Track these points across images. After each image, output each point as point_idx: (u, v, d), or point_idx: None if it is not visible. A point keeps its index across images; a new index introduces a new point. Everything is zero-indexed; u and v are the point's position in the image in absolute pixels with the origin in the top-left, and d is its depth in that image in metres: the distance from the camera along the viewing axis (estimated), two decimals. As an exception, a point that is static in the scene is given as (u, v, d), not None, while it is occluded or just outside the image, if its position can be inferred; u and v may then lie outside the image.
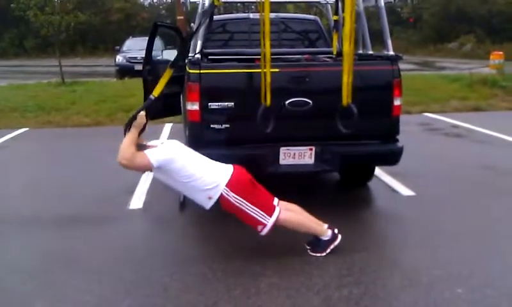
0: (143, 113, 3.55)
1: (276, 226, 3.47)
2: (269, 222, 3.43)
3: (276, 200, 3.55)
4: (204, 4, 4.56)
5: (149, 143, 3.64)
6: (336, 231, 3.63)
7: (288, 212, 3.53)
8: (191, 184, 3.44)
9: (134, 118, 3.52)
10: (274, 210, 3.47)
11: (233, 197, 3.40)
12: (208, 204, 3.49)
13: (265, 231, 3.46)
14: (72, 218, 4.48)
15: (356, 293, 3.08)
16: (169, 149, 3.52)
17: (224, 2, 6.67)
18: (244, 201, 3.41)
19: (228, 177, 3.44)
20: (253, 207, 3.41)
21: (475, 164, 6.05)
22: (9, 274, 3.45)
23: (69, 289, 3.20)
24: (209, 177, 3.43)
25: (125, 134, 3.49)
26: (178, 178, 3.45)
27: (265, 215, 3.43)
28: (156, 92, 3.77)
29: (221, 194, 3.40)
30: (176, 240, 4.04)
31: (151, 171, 3.53)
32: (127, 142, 3.41)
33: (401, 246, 3.88)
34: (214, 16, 6.15)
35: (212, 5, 4.09)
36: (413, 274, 3.34)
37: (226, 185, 3.40)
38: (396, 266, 3.54)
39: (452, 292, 3.08)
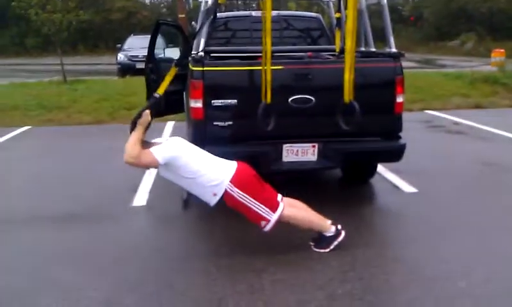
0: (147, 111, 3.57)
1: (280, 222, 3.49)
2: (273, 218, 3.45)
3: (280, 196, 3.57)
4: (207, 1, 4.57)
5: (153, 140, 3.66)
6: (339, 227, 3.64)
7: (292, 208, 3.55)
8: (195, 181, 3.47)
9: (139, 116, 3.55)
10: (278, 206, 3.49)
11: (237, 193, 3.41)
12: (212, 201, 3.51)
13: (268, 227, 3.48)
14: (75, 215, 4.50)
15: (360, 289, 3.11)
16: (174, 146, 3.54)
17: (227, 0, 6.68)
18: (248, 196, 3.42)
19: (232, 173, 3.46)
20: (257, 203, 3.43)
21: (476, 161, 6.07)
22: (11, 272, 3.47)
23: (73, 286, 3.22)
24: (213, 174, 3.46)
25: (131, 133, 3.53)
26: (184, 174, 3.47)
27: (269, 211, 3.45)
28: (161, 90, 3.86)
29: (225, 190, 3.42)
30: (180, 237, 4.06)
31: (156, 168, 3.55)
32: (133, 140, 3.45)
33: (403, 242, 3.90)
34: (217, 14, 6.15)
35: (215, 3, 4.11)
36: (416, 270, 3.37)
37: (230, 181, 3.42)
38: (399, 262, 3.56)
39: (455, 287, 3.11)
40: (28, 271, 3.46)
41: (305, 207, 3.63)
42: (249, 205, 3.43)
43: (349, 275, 3.27)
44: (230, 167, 3.51)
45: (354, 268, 3.37)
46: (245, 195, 3.42)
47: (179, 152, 3.49)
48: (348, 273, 3.31)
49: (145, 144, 3.54)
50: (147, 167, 3.66)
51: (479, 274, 3.26)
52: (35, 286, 3.25)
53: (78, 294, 3.12)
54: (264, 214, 3.45)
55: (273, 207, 3.47)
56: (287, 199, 3.60)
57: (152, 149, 3.46)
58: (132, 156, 3.40)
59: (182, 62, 4.05)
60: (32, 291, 3.18)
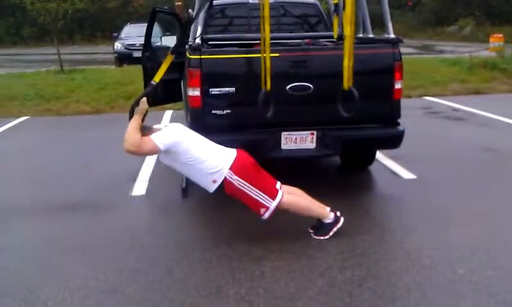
0: (144, 99, 3.57)
1: (279, 210, 3.50)
2: (272, 205, 3.46)
3: (278, 184, 3.58)
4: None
5: (154, 127, 3.66)
6: (338, 214, 3.66)
7: (290, 196, 3.56)
8: (195, 167, 3.47)
9: (137, 104, 3.55)
10: (277, 193, 3.49)
11: (236, 181, 3.42)
12: (212, 188, 3.52)
13: (267, 214, 3.49)
14: (74, 205, 4.50)
15: (359, 275, 3.12)
16: (174, 132, 3.54)
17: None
18: (248, 184, 3.43)
19: (232, 161, 3.46)
20: (256, 190, 3.44)
21: (475, 147, 6.07)
22: (12, 262, 3.48)
23: (74, 275, 3.23)
24: (214, 161, 3.46)
25: (129, 121, 3.53)
26: (184, 161, 3.47)
27: (268, 198, 3.46)
28: (157, 78, 3.84)
29: (225, 177, 3.43)
30: (179, 225, 4.06)
31: (156, 154, 3.55)
32: (132, 129, 3.44)
33: (403, 229, 3.90)
34: (213, 1, 6.10)
35: None
36: (415, 256, 3.38)
37: (230, 169, 3.43)
38: (398, 248, 3.57)
39: (454, 273, 3.12)
40: (29, 260, 3.48)
41: (304, 194, 3.64)
42: (249, 193, 3.44)
43: (348, 262, 3.28)
44: (229, 154, 3.52)
45: (353, 255, 3.38)
46: (244, 182, 3.43)
47: (180, 138, 3.49)
48: (348, 260, 3.32)
49: (145, 129, 3.54)
50: (148, 154, 3.65)
51: (478, 260, 3.27)
52: (36, 276, 3.25)
53: (79, 283, 3.13)
54: (263, 201, 3.46)
55: (272, 195, 3.48)
56: (286, 187, 3.61)
57: (152, 136, 3.46)
58: (133, 144, 3.40)
59: (178, 50, 4.02)
60: (33, 281, 3.19)
